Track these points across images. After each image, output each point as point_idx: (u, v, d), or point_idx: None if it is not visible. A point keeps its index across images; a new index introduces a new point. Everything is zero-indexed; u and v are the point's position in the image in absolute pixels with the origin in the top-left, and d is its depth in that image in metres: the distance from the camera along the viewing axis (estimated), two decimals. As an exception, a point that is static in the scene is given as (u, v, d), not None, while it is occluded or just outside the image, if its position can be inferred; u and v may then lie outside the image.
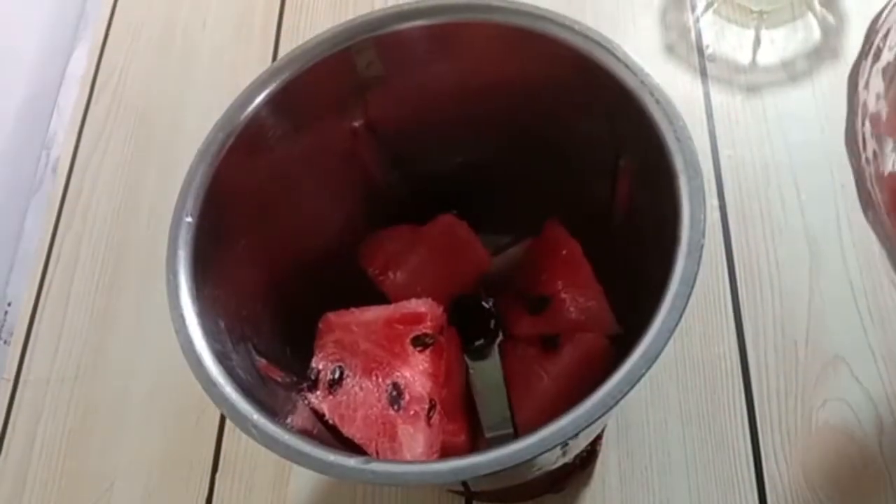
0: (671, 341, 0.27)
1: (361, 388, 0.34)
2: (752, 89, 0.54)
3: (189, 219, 0.31)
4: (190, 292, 0.30)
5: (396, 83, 0.36)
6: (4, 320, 0.55)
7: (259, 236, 0.35)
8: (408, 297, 0.36)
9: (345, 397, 0.34)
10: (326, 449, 0.27)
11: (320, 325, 0.36)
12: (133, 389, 0.50)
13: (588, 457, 0.43)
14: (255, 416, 0.27)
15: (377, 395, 0.34)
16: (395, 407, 0.33)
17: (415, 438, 0.32)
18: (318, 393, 0.34)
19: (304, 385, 0.35)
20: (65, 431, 0.49)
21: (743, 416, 0.45)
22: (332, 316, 0.36)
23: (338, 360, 0.35)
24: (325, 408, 0.34)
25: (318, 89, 0.34)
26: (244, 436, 0.47)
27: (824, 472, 0.43)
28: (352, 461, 0.26)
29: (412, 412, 0.33)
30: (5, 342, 0.54)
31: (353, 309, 0.36)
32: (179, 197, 0.32)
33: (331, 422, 0.33)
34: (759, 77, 0.54)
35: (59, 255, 0.55)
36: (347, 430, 0.33)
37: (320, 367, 0.35)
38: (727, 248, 0.49)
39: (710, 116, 0.53)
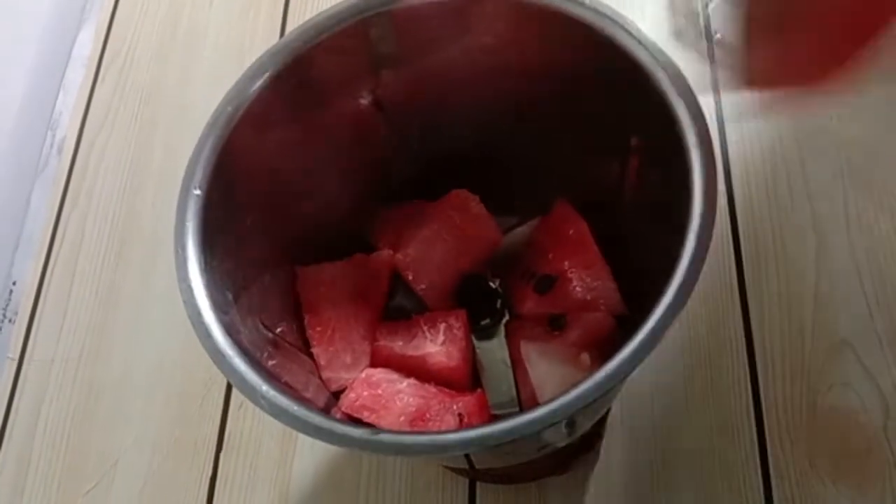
0: (677, 324, 0.27)
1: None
2: (760, 74, 0.53)
3: (197, 191, 0.31)
4: (198, 264, 0.30)
5: (408, 59, 0.35)
6: (9, 299, 0.55)
7: (268, 210, 0.35)
8: (418, 272, 0.36)
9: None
10: (335, 419, 0.27)
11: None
12: (137, 369, 0.50)
13: (592, 439, 0.43)
14: (264, 387, 0.27)
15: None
16: None
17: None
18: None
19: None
20: (69, 410, 0.49)
21: (748, 400, 0.45)
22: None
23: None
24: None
25: (329, 64, 0.34)
26: (248, 415, 0.48)
27: (829, 457, 0.43)
28: (359, 431, 0.26)
29: None
30: (10, 321, 0.54)
31: None
32: (188, 169, 0.32)
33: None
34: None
35: (63, 235, 0.55)
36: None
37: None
38: (734, 233, 0.49)
39: (718, 102, 0.53)
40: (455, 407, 0.32)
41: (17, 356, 0.51)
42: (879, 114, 0.51)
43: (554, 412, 0.25)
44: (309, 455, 0.46)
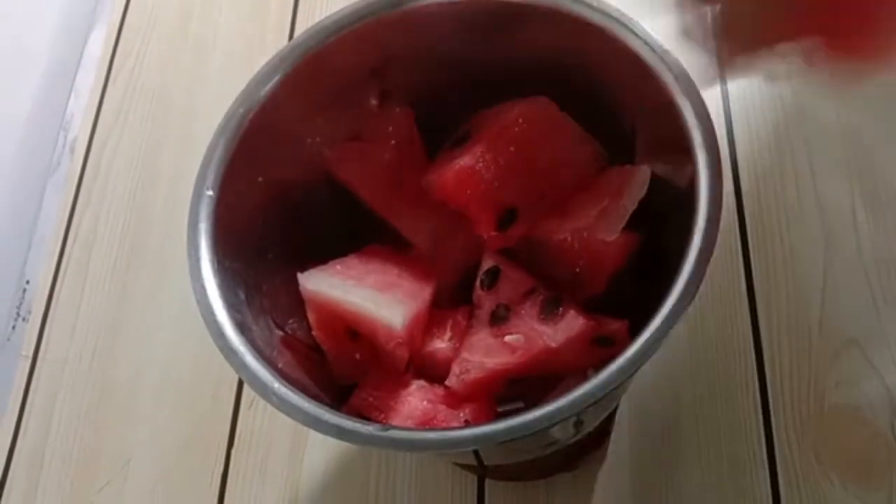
0: (684, 323, 0.27)
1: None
2: (768, 74, 0.53)
3: (210, 192, 0.32)
4: (211, 264, 0.30)
5: (415, 59, 0.36)
6: (23, 298, 0.56)
7: (280, 210, 0.35)
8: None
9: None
10: (344, 416, 0.27)
11: None
12: (150, 367, 0.50)
13: (601, 436, 0.44)
14: (276, 384, 0.28)
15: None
16: None
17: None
18: None
19: None
20: (82, 409, 0.50)
21: (756, 398, 0.45)
22: None
23: None
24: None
25: (337, 65, 0.35)
26: (260, 412, 0.48)
27: (836, 455, 0.43)
28: (369, 427, 0.26)
29: None
30: (24, 320, 0.55)
31: None
32: (200, 171, 0.32)
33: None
34: (776, 62, 0.54)
35: (76, 235, 0.55)
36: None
37: None
38: (741, 230, 0.49)
39: (725, 101, 0.53)
40: (462, 414, 0.32)
41: (30, 355, 0.52)
42: (889, 109, 0.51)
43: (561, 409, 0.26)
44: (319, 451, 0.46)
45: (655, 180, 0.35)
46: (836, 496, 0.42)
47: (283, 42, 0.58)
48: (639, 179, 0.33)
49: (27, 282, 0.57)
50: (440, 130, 0.38)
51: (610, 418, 0.43)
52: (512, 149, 0.35)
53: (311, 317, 0.34)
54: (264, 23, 0.61)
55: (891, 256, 0.47)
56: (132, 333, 0.52)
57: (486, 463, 0.38)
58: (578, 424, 0.32)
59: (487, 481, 0.45)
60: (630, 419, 0.45)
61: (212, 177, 0.32)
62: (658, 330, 0.26)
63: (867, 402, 0.44)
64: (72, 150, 0.59)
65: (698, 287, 0.27)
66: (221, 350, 0.29)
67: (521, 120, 0.35)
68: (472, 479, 0.45)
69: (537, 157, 0.36)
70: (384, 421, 0.33)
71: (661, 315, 0.27)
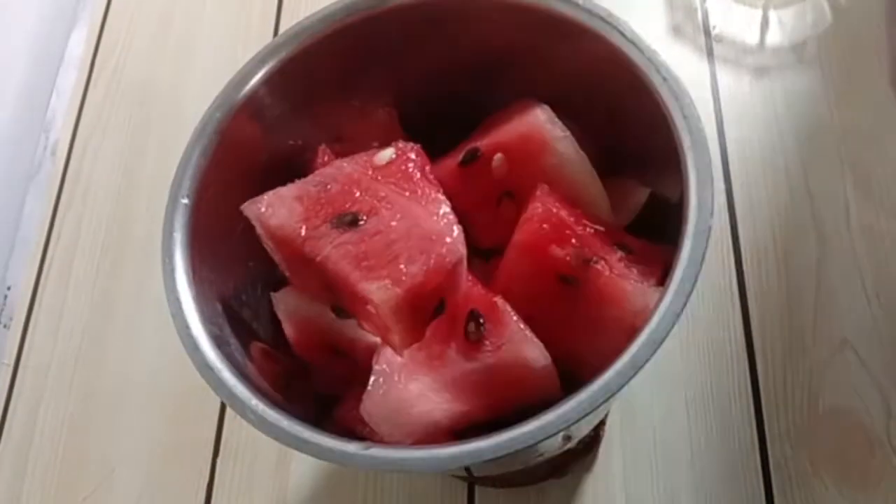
0: (677, 326, 0.26)
1: None
2: (759, 71, 0.53)
3: (185, 200, 0.31)
4: (186, 275, 0.30)
5: (398, 61, 0.35)
6: (4, 304, 0.55)
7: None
8: None
9: None
10: (325, 434, 0.26)
11: None
12: (134, 374, 0.50)
13: (591, 442, 0.43)
14: (253, 402, 0.27)
15: None
16: None
17: None
18: None
19: None
20: (65, 416, 0.49)
21: (749, 401, 0.44)
22: None
23: None
24: None
25: (318, 67, 0.34)
26: (245, 421, 0.47)
27: (830, 459, 0.43)
28: (351, 446, 0.26)
29: None
30: (5, 326, 0.54)
31: None
32: (175, 178, 0.31)
33: None
34: (767, 58, 0.53)
35: (58, 239, 0.55)
36: None
37: None
38: (733, 232, 0.48)
39: (716, 98, 0.52)
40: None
41: (12, 362, 0.51)
42: (882, 111, 0.50)
43: (548, 425, 0.25)
44: (306, 459, 0.45)
45: (645, 185, 0.34)
46: (830, 501, 0.42)
47: (267, 40, 0.57)
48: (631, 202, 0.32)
49: (9, 287, 0.56)
50: (425, 132, 0.38)
51: (600, 424, 0.42)
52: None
53: (289, 334, 0.33)
54: (248, 21, 0.60)
55: (885, 257, 0.47)
56: (116, 339, 0.51)
57: (475, 474, 0.38)
58: (567, 436, 0.32)
59: (478, 488, 0.44)
60: (621, 424, 0.44)
61: (187, 184, 0.31)
62: (647, 341, 0.25)
63: (862, 405, 0.43)
64: (53, 153, 0.58)
65: (689, 295, 0.26)
66: (197, 366, 0.28)
67: (516, 137, 0.34)
68: (462, 486, 0.44)
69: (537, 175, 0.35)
70: (369, 434, 0.32)
71: (651, 325, 0.26)
